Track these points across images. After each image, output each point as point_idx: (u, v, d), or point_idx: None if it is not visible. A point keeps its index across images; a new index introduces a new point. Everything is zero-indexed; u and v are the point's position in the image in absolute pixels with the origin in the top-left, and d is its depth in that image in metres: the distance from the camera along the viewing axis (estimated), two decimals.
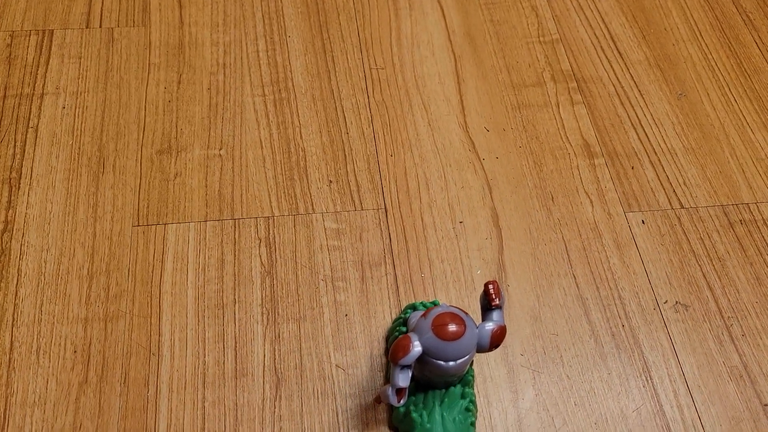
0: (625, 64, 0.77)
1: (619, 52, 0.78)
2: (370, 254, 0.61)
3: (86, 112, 0.67)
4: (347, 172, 0.66)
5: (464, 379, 0.51)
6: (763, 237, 0.65)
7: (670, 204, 0.67)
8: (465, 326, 0.45)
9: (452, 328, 0.44)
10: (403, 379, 0.45)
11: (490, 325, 0.46)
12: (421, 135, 0.69)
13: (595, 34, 0.79)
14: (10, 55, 0.70)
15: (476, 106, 0.72)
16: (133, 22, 0.74)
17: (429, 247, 0.63)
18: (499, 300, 0.46)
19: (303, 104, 0.70)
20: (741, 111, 0.74)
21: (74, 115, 0.67)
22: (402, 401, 0.46)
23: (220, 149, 0.67)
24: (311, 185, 0.65)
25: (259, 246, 0.61)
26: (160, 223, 0.62)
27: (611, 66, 0.77)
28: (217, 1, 0.77)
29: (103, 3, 0.75)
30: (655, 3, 0.83)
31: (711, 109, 0.74)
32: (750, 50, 0.79)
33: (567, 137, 0.70)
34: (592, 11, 0.81)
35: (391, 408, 0.53)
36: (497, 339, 0.46)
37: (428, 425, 0.48)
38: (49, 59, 0.70)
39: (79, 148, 0.65)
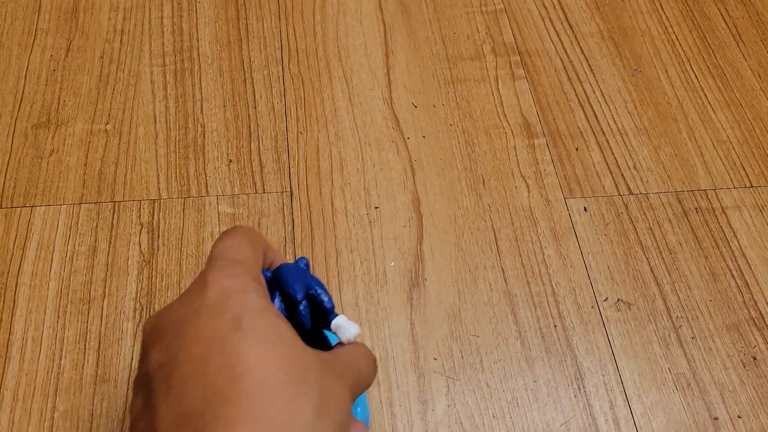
0: (576, 36, 0.69)
1: (569, 24, 0.70)
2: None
3: None
4: (251, 150, 0.58)
5: None
6: (720, 227, 0.57)
7: (617, 189, 0.59)
8: None
9: None
10: None
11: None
12: (340, 111, 0.62)
13: (543, 4, 0.71)
14: None
15: (404, 80, 0.64)
16: None
17: (338, 235, 0.55)
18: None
19: (207, 75, 0.62)
20: (702, 89, 0.66)
21: None
22: None
23: (107, 123, 0.59)
24: (207, 165, 0.57)
25: (140, 232, 0.53)
26: (27, 205, 0.54)
27: (560, 39, 0.69)
28: None
29: None
30: None
31: (669, 87, 0.66)
32: (715, 23, 0.71)
33: (505, 115, 0.63)
34: None
35: None
36: None
37: None
38: None
39: None
